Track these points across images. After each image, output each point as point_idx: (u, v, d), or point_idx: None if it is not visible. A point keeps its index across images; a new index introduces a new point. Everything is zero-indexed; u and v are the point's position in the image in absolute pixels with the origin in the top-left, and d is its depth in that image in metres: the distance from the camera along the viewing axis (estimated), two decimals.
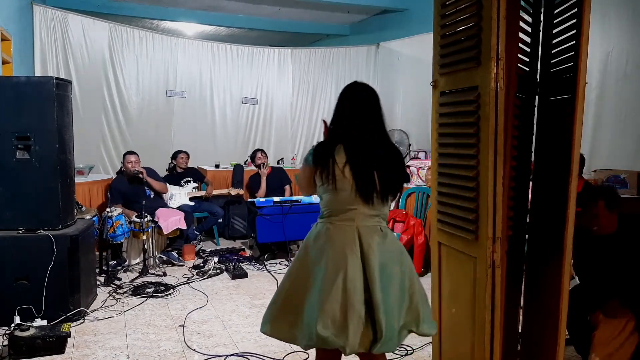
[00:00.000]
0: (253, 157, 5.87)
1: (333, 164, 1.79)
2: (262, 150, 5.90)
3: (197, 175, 5.90)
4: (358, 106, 1.85)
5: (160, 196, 5.18)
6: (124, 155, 5.17)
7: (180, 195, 5.50)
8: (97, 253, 4.25)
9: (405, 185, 5.18)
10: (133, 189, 4.95)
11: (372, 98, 1.87)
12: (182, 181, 5.72)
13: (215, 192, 5.77)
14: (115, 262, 4.61)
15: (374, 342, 1.73)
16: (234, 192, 5.63)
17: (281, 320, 1.86)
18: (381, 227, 1.84)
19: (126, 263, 4.70)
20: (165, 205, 5.09)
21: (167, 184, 5.45)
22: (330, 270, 1.76)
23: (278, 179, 5.74)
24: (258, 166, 5.69)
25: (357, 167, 1.79)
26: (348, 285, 1.73)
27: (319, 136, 7.93)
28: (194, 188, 5.69)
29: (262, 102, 7.60)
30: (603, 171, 4.34)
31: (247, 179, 5.97)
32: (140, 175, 4.91)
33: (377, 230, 1.83)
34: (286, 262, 4.91)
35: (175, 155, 5.88)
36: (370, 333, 1.73)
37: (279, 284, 2.01)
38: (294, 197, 5.21)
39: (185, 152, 5.88)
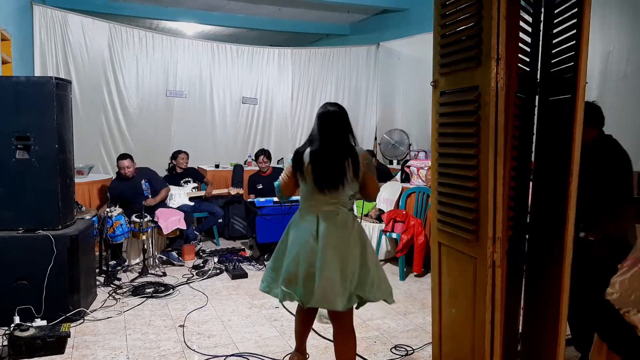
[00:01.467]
0: (257, 158, 5.84)
1: (301, 164, 2.36)
2: (266, 153, 5.80)
3: (197, 175, 5.90)
4: (324, 123, 2.39)
5: (158, 191, 5.16)
6: (117, 159, 5.11)
7: (180, 195, 5.49)
8: (97, 253, 4.25)
9: (405, 185, 5.20)
10: (130, 190, 4.94)
11: (335, 117, 2.39)
12: (181, 181, 5.72)
13: (215, 191, 5.76)
14: (115, 262, 4.60)
15: (317, 298, 2.26)
16: (233, 191, 5.62)
17: (270, 281, 2.49)
18: (339, 212, 2.34)
19: (126, 263, 4.70)
20: (165, 205, 5.08)
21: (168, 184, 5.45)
22: (294, 245, 2.37)
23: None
24: (255, 174, 5.77)
25: (314, 165, 2.33)
26: (301, 257, 2.31)
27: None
28: (193, 188, 5.69)
29: (262, 102, 7.59)
30: None
31: (246, 179, 5.97)
32: (152, 204, 4.96)
33: (334, 215, 2.34)
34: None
35: (175, 156, 5.87)
36: (316, 292, 2.25)
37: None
38: (294, 197, 5.20)
39: (185, 152, 5.88)
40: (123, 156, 5.07)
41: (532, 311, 2.25)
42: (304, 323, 2.62)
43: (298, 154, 2.39)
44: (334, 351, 2.46)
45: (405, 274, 4.49)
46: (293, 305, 3.14)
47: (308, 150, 2.37)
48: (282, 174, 2.49)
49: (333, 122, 2.38)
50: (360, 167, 2.32)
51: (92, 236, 3.90)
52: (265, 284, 2.51)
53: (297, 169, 2.39)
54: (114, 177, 5.36)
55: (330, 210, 2.33)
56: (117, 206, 4.73)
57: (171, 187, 5.50)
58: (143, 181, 5.05)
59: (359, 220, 2.50)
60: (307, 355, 2.77)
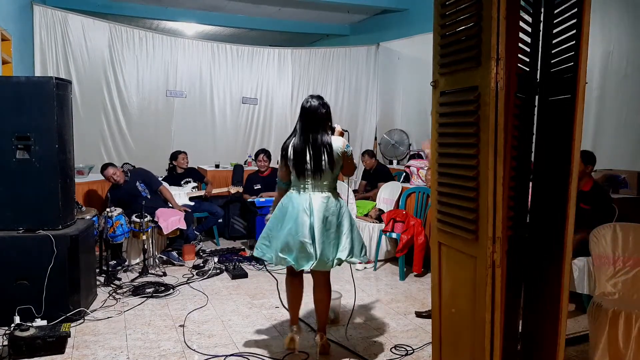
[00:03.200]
0: (256, 156, 5.84)
1: (286, 154, 2.79)
2: (266, 153, 5.83)
3: (197, 175, 5.90)
4: (303, 116, 2.79)
5: (159, 195, 5.16)
6: (101, 172, 5.01)
7: (180, 195, 5.49)
8: (97, 253, 4.25)
9: (405, 185, 5.20)
10: (127, 194, 4.94)
11: (314, 110, 2.76)
12: (182, 182, 5.72)
13: (215, 190, 5.76)
14: (115, 262, 4.60)
15: (312, 263, 2.68)
16: (233, 190, 5.62)
17: (264, 248, 2.84)
18: (325, 192, 2.76)
19: (126, 263, 4.70)
20: (165, 205, 5.09)
21: (167, 184, 5.45)
22: (289, 220, 2.73)
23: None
24: (255, 173, 5.76)
25: (295, 157, 2.75)
26: (298, 228, 2.69)
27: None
28: (193, 188, 5.69)
29: (262, 102, 7.60)
30: (603, 171, 4.34)
31: (245, 178, 5.97)
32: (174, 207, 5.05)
33: (322, 196, 2.75)
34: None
35: (175, 156, 5.85)
36: (312, 257, 2.68)
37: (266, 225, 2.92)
38: None
39: (184, 152, 5.86)
40: (104, 167, 4.99)
41: (532, 311, 2.25)
42: (296, 290, 2.97)
43: (283, 147, 2.82)
44: (313, 300, 2.93)
45: (405, 274, 4.49)
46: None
47: (292, 142, 2.78)
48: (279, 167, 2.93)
49: (312, 115, 2.76)
50: (335, 156, 2.74)
51: (92, 236, 3.90)
52: (259, 250, 2.85)
53: (284, 159, 2.82)
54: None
55: (319, 192, 2.76)
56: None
57: (171, 187, 5.51)
58: (138, 183, 5.05)
59: (341, 198, 2.88)
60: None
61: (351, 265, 3.03)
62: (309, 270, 2.77)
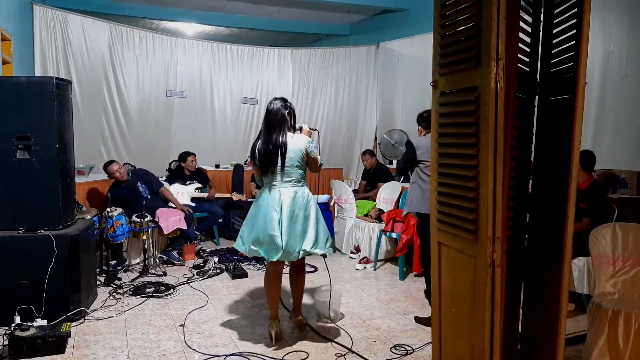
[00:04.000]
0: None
1: (253, 155, 3.03)
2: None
3: (203, 179, 5.87)
4: (266, 116, 3.02)
5: (159, 195, 5.16)
6: (105, 169, 5.02)
7: (182, 194, 5.49)
8: (97, 253, 4.25)
9: (405, 185, 5.20)
10: (128, 194, 4.95)
11: (276, 110, 2.99)
12: (186, 182, 5.72)
13: (218, 195, 5.77)
14: (115, 262, 4.61)
15: (279, 254, 2.90)
16: (236, 197, 5.61)
17: (241, 242, 3.09)
18: (293, 187, 2.96)
19: (126, 263, 4.70)
20: (165, 205, 5.09)
21: (167, 185, 5.44)
22: (260, 215, 2.96)
23: None
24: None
25: (259, 157, 2.98)
26: (267, 223, 2.90)
27: (318, 136, 7.92)
28: (197, 189, 5.68)
29: (262, 102, 7.59)
30: (603, 171, 4.34)
31: (247, 179, 5.97)
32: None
33: (291, 191, 2.95)
34: (286, 263, 4.90)
35: (184, 158, 5.75)
36: (280, 249, 2.89)
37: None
38: None
39: (193, 154, 5.77)
40: (108, 163, 5.02)
41: (532, 311, 2.25)
42: (275, 287, 3.12)
43: (252, 148, 3.06)
44: (289, 283, 3.26)
45: (405, 274, 4.49)
46: (292, 305, 3.32)
47: (258, 143, 3.02)
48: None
49: (272, 116, 2.98)
50: (295, 154, 2.95)
51: (93, 236, 3.91)
52: (237, 243, 3.12)
53: (253, 160, 3.07)
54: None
55: (287, 187, 2.96)
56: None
57: (175, 185, 5.50)
58: (139, 183, 5.05)
59: (310, 193, 3.07)
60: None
61: (324, 257, 3.20)
62: (287, 264, 3.13)
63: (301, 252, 2.95)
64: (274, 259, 2.92)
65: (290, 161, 2.93)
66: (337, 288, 3.96)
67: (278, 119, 2.96)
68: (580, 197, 3.52)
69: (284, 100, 3.03)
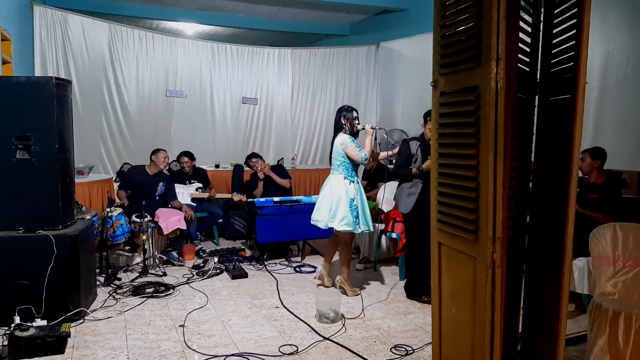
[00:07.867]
0: (247, 162, 5.83)
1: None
2: (255, 155, 5.82)
3: (204, 180, 5.87)
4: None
5: (167, 204, 5.16)
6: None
7: (182, 194, 5.49)
8: (97, 253, 4.25)
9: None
10: (145, 184, 4.94)
11: (337, 118, 3.99)
12: (187, 181, 5.71)
13: (219, 195, 5.77)
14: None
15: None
16: (236, 198, 5.61)
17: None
18: (334, 174, 3.89)
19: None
20: (166, 206, 5.08)
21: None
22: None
23: (279, 176, 5.73)
24: (255, 172, 5.71)
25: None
26: (321, 197, 3.94)
27: (319, 135, 7.95)
28: (197, 189, 5.68)
29: (262, 102, 7.60)
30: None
31: (249, 177, 5.96)
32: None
33: (331, 176, 3.90)
34: (286, 262, 4.91)
35: (177, 159, 5.81)
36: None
37: None
38: (294, 197, 5.21)
39: (187, 155, 5.77)
40: (157, 150, 5.20)
41: (532, 311, 2.25)
42: (332, 245, 4.14)
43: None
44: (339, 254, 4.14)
45: (405, 274, 4.48)
46: (292, 305, 3.36)
47: None
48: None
49: (334, 122, 3.99)
50: (335, 150, 3.87)
51: (93, 236, 3.90)
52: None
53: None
54: (114, 177, 5.36)
55: (332, 173, 3.92)
56: (119, 205, 4.73)
57: (175, 185, 5.50)
58: (161, 184, 5.06)
59: (348, 181, 3.83)
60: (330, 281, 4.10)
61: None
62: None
63: (329, 224, 3.82)
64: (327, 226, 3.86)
65: (334, 155, 3.88)
66: (337, 288, 3.96)
67: (335, 124, 3.96)
68: (594, 190, 3.77)
69: (339, 110, 3.94)
